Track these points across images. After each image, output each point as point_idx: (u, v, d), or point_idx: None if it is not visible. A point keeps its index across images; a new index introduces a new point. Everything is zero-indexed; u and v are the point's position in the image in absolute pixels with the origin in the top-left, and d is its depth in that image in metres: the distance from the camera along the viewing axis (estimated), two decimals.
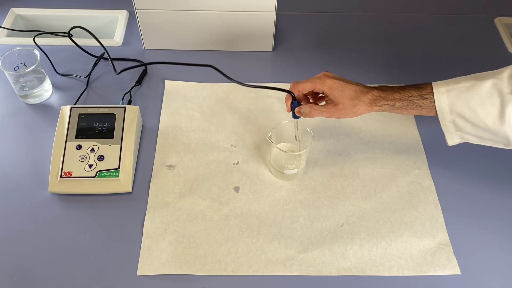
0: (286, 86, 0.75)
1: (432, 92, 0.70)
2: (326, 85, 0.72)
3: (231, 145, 0.85)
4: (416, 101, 0.71)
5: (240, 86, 0.87)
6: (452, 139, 0.72)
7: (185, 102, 0.92)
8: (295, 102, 0.73)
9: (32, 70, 0.86)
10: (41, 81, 0.89)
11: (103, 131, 0.79)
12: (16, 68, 0.87)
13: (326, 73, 0.73)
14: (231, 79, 0.79)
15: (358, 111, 0.72)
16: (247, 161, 0.83)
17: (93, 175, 0.76)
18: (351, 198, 0.79)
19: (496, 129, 0.67)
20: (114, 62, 0.97)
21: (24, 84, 0.87)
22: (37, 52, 0.87)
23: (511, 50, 1.05)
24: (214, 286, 0.68)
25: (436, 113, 0.71)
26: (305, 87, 0.73)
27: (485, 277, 0.71)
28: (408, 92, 0.72)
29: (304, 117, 0.74)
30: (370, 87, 0.73)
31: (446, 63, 1.02)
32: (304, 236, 0.74)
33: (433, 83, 0.71)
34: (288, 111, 0.75)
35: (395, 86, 0.73)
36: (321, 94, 0.76)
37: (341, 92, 0.71)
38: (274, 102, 0.92)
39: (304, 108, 0.73)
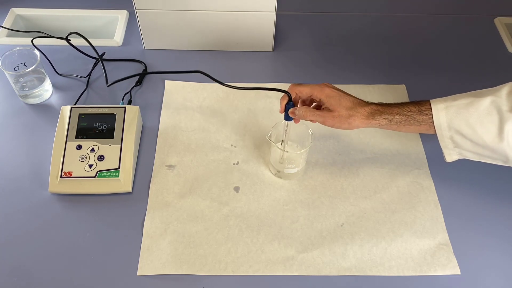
0: (286, 87, 0.75)
1: (431, 108, 0.70)
2: (324, 93, 0.72)
3: (231, 145, 0.85)
4: (415, 116, 0.71)
5: None
6: (451, 155, 0.72)
7: (185, 102, 0.92)
8: (290, 103, 0.73)
9: (32, 70, 0.86)
10: (41, 81, 0.89)
11: (103, 131, 0.79)
12: (16, 68, 0.87)
13: (326, 83, 0.73)
14: (221, 83, 0.78)
15: (353, 122, 0.71)
16: (247, 161, 0.83)
17: (93, 175, 0.76)
18: (351, 198, 0.79)
19: (495, 146, 0.67)
20: (114, 62, 0.97)
21: (24, 84, 0.87)
22: (37, 52, 0.87)
23: (511, 50, 1.05)
24: (214, 286, 0.68)
25: (435, 131, 0.70)
26: (303, 91, 0.73)
27: (485, 277, 0.71)
28: (407, 107, 0.71)
29: (297, 118, 0.73)
30: (368, 102, 0.73)
31: (446, 63, 1.02)
32: (304, 236, 0.74)
33: (431, 100, 0.71)
34: (281, 112, 0.74)
35: (394, 103, 0.73)
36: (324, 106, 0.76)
37: (338, 101, 0.71)
38: (274, 102, 0.92)
39: (299, 109, 0.72)
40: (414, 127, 0.72)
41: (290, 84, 0.74)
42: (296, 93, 0.73)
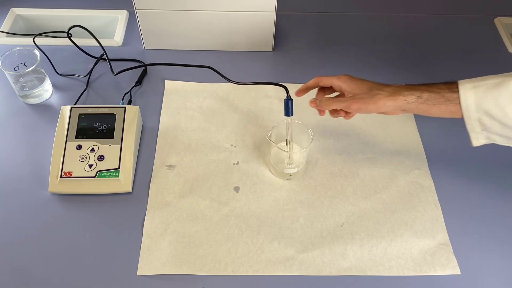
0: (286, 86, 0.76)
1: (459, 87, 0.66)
2: (342, 79, 0.72)
3: (231, 145, 0.85)
4: (444, 93, 0.66)
5: (240, 86, 0.88)
6: (478, 139, 0.68)
7: (185, 102, 0.92)
8: (288, 97, 0.74)
9: (32, 70, 0.86)
10: (41, 81, 0.89)
11: (103, 131, 0.79)
12: (16, 68, 0.87)
13: (346, 74, 0.74)
14: (229, 80, 0.79)
15: (379, 101, 0.68)
16: (247, 161, 0.83)
17: (93, 175, 0.76)
18: (351, 198, 0.79)
19: None
20: (114, 62, 0.97)
21: (24, 84, 0.87)
22: (37, 52, 0.87)
23: (511, 50, 1.05)
24: (214, 286, 0.68)
25: (462, 113, 0.66)
26: (324, 79, 0.74)
27: (485, 277, 0.71)
28: (435, 85, 0.68)
29: (318, 108, 0.74)
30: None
31: (446, 63, 1.02)
32: (304, 236, 0.74)
33: (458, 81, 0.67)
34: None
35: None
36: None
37: (360, 84, 0.71)
38: (274, 102, 0.92)
39: (321, 99, 0.73)
40: (444, 106, 0.67)
41: (293, 82, 0.75)
42: (318, 83, 0.75)
